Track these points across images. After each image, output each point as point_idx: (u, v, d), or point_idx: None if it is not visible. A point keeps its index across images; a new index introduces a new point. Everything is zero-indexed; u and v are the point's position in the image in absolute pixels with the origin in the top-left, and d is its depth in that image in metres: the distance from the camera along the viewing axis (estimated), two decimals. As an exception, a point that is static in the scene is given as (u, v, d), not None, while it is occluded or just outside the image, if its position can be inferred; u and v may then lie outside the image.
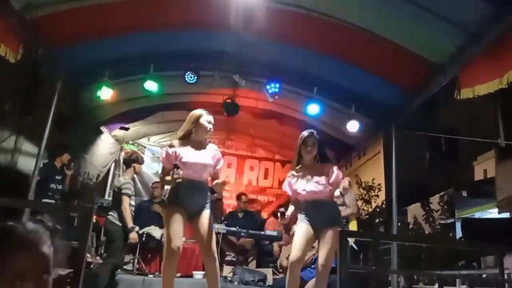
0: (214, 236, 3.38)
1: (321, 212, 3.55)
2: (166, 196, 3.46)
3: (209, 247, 3.34)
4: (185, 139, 3.49)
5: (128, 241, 4.64)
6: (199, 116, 3.50)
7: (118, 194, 4.92)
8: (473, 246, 3.14)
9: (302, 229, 3.53)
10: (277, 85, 5.76)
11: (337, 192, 3.60)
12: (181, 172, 3.24)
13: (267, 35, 4.88)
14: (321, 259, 3.47)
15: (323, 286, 3.52)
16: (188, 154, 3.41)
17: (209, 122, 3.50)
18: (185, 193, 3.35)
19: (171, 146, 3.47)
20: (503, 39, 3.66)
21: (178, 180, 3.25)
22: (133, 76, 6.00)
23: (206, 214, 3.38)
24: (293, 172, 3.73)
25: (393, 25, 4.36)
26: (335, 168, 3.65)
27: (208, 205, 3.44)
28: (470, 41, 4.01)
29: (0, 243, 0.99)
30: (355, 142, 7.29)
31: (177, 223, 3.29)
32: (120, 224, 4.73)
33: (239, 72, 5.77)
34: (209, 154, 3.48)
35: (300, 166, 3.73)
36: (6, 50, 4.06)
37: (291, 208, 3.68)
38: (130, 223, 4.61)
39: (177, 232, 3.27)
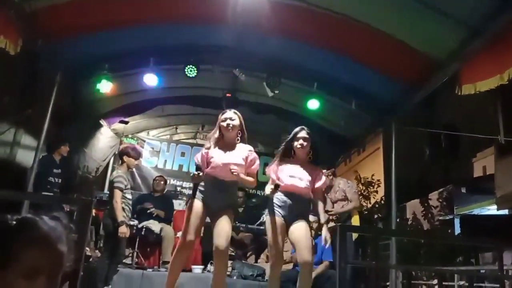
0: (227, 237, 3.34)
1: (295, 206, 3.54)
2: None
3: (219, 249, 3.29)
4: (218, 141, 3.56)
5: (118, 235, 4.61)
6: (220, 119, 3.56)
7: (110, 188, 4.90)
8: (473, 241, 3.14)
9: (274, 221, 3.51)
10: (277, 80, 5.75)
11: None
12: (201, 174, 3.34)
13: (267, 29, 4.86)
14: (302, 254, 3.41)
15: (309, 280, 3.47)
16: (217, 154, 3.46)
17: (228, 124, 3.50)
18: (210, 190, 3.42)
19: (206, 148, 3.55)
20: (504, 35, 3.64)
21: (196, 181, 3.38)
22: (132, 70, 5.98)
23: (226, 214, 3.38)
24: (280, 161, 3.71)
25: (393, 20, 4.34)
26: (323, 176, 3.74)
27: (231, 205, 3.47)
28: (471, 37, 4.00)
29: (21, 235, 1.00)
30: (354, 138, 7.29)
31: (195, 217, 3.35)
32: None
33: (239, 67, 5.76)
34: (240, 155, 3.51)
35: (289, 158, 3.72)
36: (6, 42, 4.04)
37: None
38: (120, 217, 4.58)
39: (193, 225, 3.33)
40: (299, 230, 3.47)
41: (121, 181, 4.78)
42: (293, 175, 3.59)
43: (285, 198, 3.56)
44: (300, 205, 3.58)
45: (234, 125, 3.52)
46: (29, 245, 0.99)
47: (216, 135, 3.56)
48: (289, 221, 3.53)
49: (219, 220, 3.35)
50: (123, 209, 4.73)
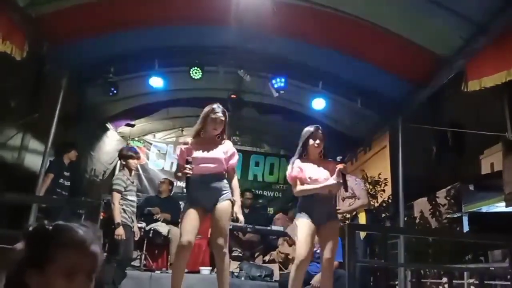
0: (225, 230, 3.37)
1: (322, 207, 3.57)
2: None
3: (216, 241, 3.34)
4: (198, 137, 3.57)
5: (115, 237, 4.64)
6: (207, 114, 3.54)
7: (110, 191, 4.94)
8: (483, 239, 3.12)
9: (305, 225, 3.52)
10: (283, 80, 5.75)
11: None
12: (192, 166, 3.33)
13: (271, 29, 4.85)
14: (326, 253, 3.48)
15: (330, 280, 3.53)
16: (198, 150, 3.47)
17: (215, 119, 3.51)
18: (198, 189, 3.42)
19: (184, 143, 3.55)
20: (510, 31, 3.62)
21: (188, 174, 3.33)
22: (138, 73, 6.01)
23: (220, 206, 3.40)
24: (300, 161, 3.72)
25: (399, 17, 4.32)
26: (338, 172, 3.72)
27: (225, 196, 3.44)
28: (477, 33, 3.97)
29: (59, 238, 1.09)
30: (360, 137, 7.27)
31: (190, 219, 3.35)
32: (123, 220, 4.72)
33: (244, 67, 5.76)
34: (221, 149, 3.52)
35: (305, 159, 3.73)
36: (11, 47, 4.06)
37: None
38: (117, 219, 4.61)
39: (188, 227, 3.32)
40: (329, 233, 3.52)
41: (119, 183, 4.80)
42: (317, 177, 3.62)
43: (311, 203, 3.58)
44: (326, 205, 3.61)
45: (222, 120, 3.54)
46: (67, 246, 1.08)
47: (199, 128, 3.56)
48: (318, 224, 3.54)
49: (216, 218, 3.38)
50: (124, 210, 4.75)
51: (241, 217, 3.51)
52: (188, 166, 3.33)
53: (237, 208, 3.49)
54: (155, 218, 5.84)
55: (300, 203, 3.69)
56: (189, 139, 3.58)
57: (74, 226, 1.13)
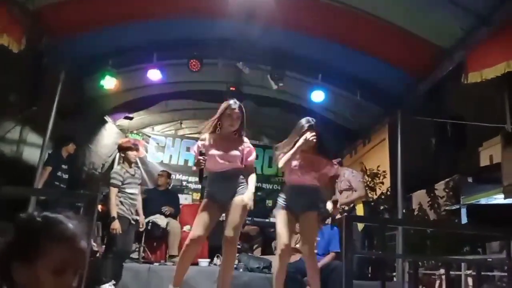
0: (238, 224, 3.36)
1: (300, 198, 3.60)
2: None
3: (227, 234, 3.33)
4: (214, 132, 3.54)
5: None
6: (223, 110, 3.51)
7: (108, 185, 4.97)
8: (481, 230, 3.13)
9: (282, 215, 3.57)
10: (282, 72, 5.73)
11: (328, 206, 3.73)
12: (205, 158, 3.33)
13: (270, 21, 4.83)
14: (304, 244, 3.57)
15: (315, 269, 3.58)
16: (215, 147, 3.45)
17: (231, 115, 3.48)
18: (215, 185, 3.45)
19: (201, 140, 3.54)
20: (510, 22, 3.60)
21: (202, 166, 3.34)
22: (136, 65, 5.98)
23: (235, 200, 3.39)
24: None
25: (398, 9, 4.29)
26: (332, 166, 3.78)
27: (240, 190, 3.44)
28: (477, 24, 3.96)
29: (49, 231, 1.06)
30: (360, 129, 7.26)
31: (204, 214, 3.37)
32: (120, 213, 4.74)
33: (243, 60, 5.73)
34: (237, 147, 3.51)
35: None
36: (9, 40, 4.05)
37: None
38: (112, 213, 4.66)
39: (201, 222, 3.35)
40: (308, 222, 3.57)
41: (115, 177, 4.82)
42: (305, 170, 3.62)
43: (293, 193, 3.63)
44: (308, 195, 3.63)
45: (239, 116, 3.50)
46: (57, 241, 1.04)
47: (215, 123, 3.53)
48: (297, 213, 3.59)
49: (230, 211, 3.38)
50: (122, 203, 4.77)
51: (250, 203, 3.43)
52: (201, 158, 3.33)
53: (250, 195, 3.43)
54: (163, 211, 5.84)
55: (280, 193, 3.72)
56: (205, 136, 3.55)
57: (64, 219, 1.09)
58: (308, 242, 3.58)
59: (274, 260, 3.77)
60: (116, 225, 4.60)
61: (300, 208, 3.59)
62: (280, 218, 3.58)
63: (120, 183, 4.79)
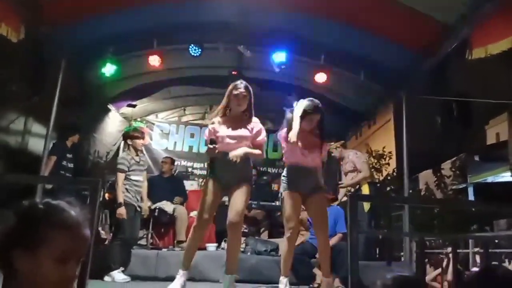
0: (240, 211, 3.33)
1: (306, 180, 3.61)
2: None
3: (230, 218, 3.32)
4: (224, 115, 3.52)
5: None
6: (230, 91, 3.49)
7: (115, 171, 4.99)
8: (487, 207, 3.10)
9: (290, 196, 3.57)
10: (284, 55, 5.66)
11: None
12: (216, 146, 3.32)
13: (271, 2, 4.75)
14: (316, 226, 3.63)
15: (327, 251, 3.60)
16: (223, 129, 3.44)
17: (237, 95, 3.45)
18: (221, 166, 3.41)
19: (212, 123, 3.52)
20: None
21: (213, 155, 3.34)
22: (137, 52, 5.94)
23: (241, 188, 3.38)
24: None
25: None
26: (325, 148, 3.83)
27: (244, 179, 3.43)
28: (481, 0, 3.86)
29: (52, 219, 1.03)
30: (365, 111, 7.20)
31: (210, 196, 3.37)
32: (126, 200, 4.76)
33: (244, 43, 5.67)
34: (247, 127, 3.49)
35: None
36: (7, 29, 4.02)
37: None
38: (119, 199, 4.69)
39: (207, 205, 3.34)
40: (316, 203, 3.61)
41: (123, 162, 4.84)
42: (304, 150, 3.61)
43: (295, 174, 3.62)
44: (312, 176, 3.63)
45: (245, 95, 3.47)
46: (60, 229, 1.02)
47: (223, 106, 3.52)
48: (304, 194, 3.60)
49: (233, 194, 3.38)
50: (128, 190, 4.80)
51: (233, 155, 3.31)
52: (211, 146, 3.32)
53: (241, 151, 3.35)
54: (174, 202, 5.89)
55: (285, 174, 3.69)
56: (216, 118, 3.54)
57: (66, 206, 1.07)
58: (321, 223, 3.60)
59: (282, 242, 3.78)
60: (122, 211, 4.63)
61: (308, 190, 3.60)
62: (287, 200, 3.59)
63: (127, 169, 4.81)
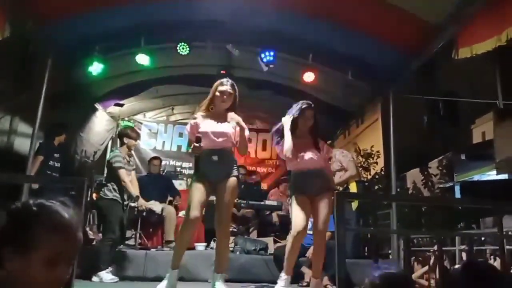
0: (229, 207, 3.38)
1: (312, 181, 3.63)
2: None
3: (220, 221, 3.36)
4: (207, 111, 3.53)
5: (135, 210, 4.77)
6: (215, 88, 3.51)
7: (109, 168, 4.93)
8: (473, 203, 3.15)
9: (299, 199, 3.58)
10: (272, 54, 5.67)
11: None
12: (201, 144, 3.31)
13: (258, 1, 4.75)
14: (318, 226, 3.60)
15: (322, 251, 3.59)
16: (207, 124, 3.44)
17: (222, 92, 3.47)
18: (206, 163, 3.39)
19: (194, 118, 3.53)
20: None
21: (198, 153, 3.33)
22: (124, 50, 5.88)
23: (229, 183, 3.39)
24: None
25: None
26: (325, 146, 3.86)
27: (230, 174, 3.43)
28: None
29: (44, 221, 1.01)
30: (353, 110, 7.24)
31: (197, 194, 3.34)
32: (111, 197, 4.70)
33: (232, 42, 5.65)
34: (230, 124, 3.48)
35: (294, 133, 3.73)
36: (-10, 27, 3.95)
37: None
38: (134, 193, 4.72)
39: (195, 202, 3.31)
40: (322, 204, 3.61)
41: (119, 160, 4.80)
42: (306, 152, 3.65)
43: (302, 178, 3.65)
44: (319, 178, 3.66)
45: (231, 93, 3.49)
46: (52, 231, 1.00)
47: (208, 101, 3.53)
48: (311, 197, 3.63)
49: (221, 192, 3.38)
50: (116, 189, 4.75)
51: (231, 117, 3.43)
52: (196, 144, 3.31)
53: (238, 117, 3.44)
54: (174, 204, 5.87)
55: (291, 180, 3.75)
56: (199, 114, 3.54)
57: (60, 208, 1.05)
58: (323, 221, 3.60)
59: (288, 239, 3.75)
60: (142, 202, 4.63)
61: (314, 191, 3.62)
62: (294, 205, 3.60)
63: (123, 165, 4.77)
